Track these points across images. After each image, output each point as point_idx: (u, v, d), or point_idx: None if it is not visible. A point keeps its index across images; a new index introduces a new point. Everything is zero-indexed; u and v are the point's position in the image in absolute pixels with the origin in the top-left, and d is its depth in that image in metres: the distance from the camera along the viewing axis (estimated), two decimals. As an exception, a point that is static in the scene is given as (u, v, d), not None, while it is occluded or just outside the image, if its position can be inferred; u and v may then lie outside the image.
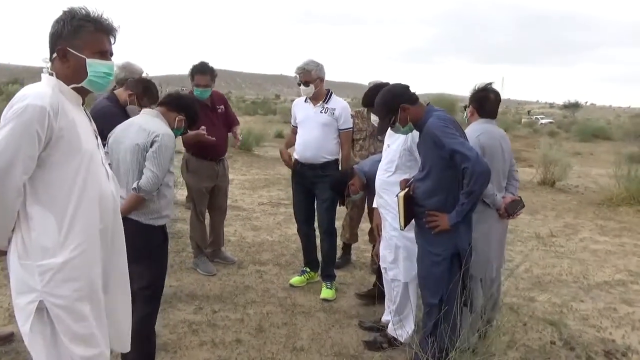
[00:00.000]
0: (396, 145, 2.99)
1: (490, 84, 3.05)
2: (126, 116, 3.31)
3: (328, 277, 4.02)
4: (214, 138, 4.01)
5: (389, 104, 2.62)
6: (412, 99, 2.62)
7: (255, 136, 13.06)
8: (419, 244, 2.71)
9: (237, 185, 8.17)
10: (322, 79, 3.92)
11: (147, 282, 2.52)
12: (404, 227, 2.71)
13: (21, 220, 1.70)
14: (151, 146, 2.44)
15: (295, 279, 4.16)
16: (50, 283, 1.69)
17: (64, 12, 1.76)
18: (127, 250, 1.97)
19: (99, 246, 1.81)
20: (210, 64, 4.23)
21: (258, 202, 7.19)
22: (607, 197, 8.30)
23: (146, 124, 2.51)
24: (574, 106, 56.28)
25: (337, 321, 3.51)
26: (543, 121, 40.04)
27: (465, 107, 3.20)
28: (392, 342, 3.13)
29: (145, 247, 2.46)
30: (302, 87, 3.91)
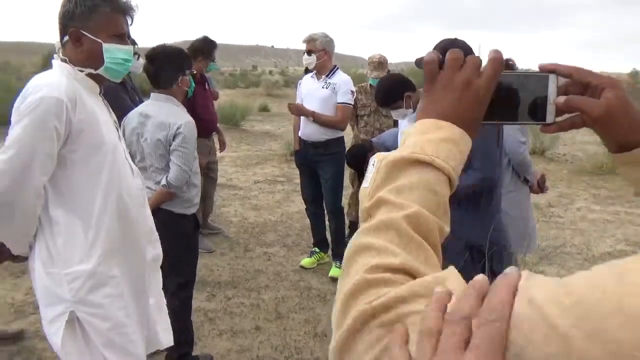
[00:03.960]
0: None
1: None
2: (125, 90, 3.10)
3: (338, 256, 3.96)
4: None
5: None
6: None
7: (241, 110, 12.75)
8: None
9: (230, 163, 7.99)
10: (327, 52, 3.80)
11: (182, 271, 2.47)
12: None
13: (44, 225, 1.55)
14: (174, 139, 2.30)
15: (306, 261, 4.10)
16: (81, 291, 1.56)
17: None
18: (160, 241, 1.86)
19: (132, 246, 1.69)
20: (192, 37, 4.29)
21: (254, 180, 7.04)
22: (596, 166, 8.40)
23: (162, 115, 2.35)
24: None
25: (354, 303, 3.47)
26: None
27: None
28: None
29: (180, 236, 2.40)
30: (305, 55, 3.83)
